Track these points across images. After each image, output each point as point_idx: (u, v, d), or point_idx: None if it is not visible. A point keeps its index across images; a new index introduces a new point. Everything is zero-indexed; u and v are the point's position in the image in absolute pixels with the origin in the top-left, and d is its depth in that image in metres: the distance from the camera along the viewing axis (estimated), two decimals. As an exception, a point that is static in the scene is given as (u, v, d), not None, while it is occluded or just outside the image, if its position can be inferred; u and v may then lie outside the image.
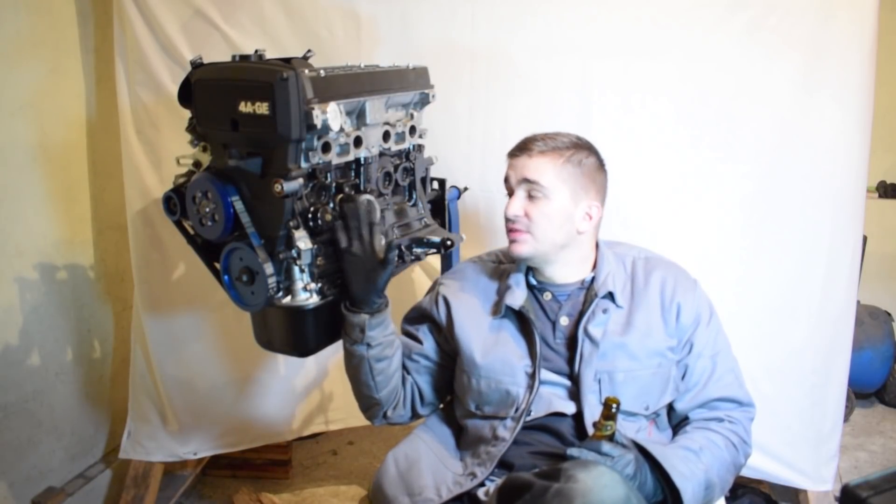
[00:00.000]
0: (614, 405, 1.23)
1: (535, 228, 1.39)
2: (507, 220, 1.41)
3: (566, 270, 1.45)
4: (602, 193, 1.45)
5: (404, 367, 1.52)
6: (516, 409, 1.38)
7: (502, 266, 1.54)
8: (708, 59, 1.80)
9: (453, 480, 1.37)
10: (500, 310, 1.44)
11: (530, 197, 1.39)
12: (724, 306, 1.52)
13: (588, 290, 1.44)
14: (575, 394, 1.38)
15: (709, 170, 1.85)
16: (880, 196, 3.31)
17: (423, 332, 1.55)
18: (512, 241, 1.42)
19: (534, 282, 1.47)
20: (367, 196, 1.34)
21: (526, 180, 1.39)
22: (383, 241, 1.34)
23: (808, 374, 1.92)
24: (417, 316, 1.58)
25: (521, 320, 1.44)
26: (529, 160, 1.40)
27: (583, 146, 1.43)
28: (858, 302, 2.15)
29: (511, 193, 1.43)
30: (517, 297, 1.43)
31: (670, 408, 1.44)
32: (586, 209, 1.42)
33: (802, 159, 1.83)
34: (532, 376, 1.38)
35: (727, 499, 1.52)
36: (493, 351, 1.42)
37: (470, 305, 1.49)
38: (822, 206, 1.85)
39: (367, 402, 1.50)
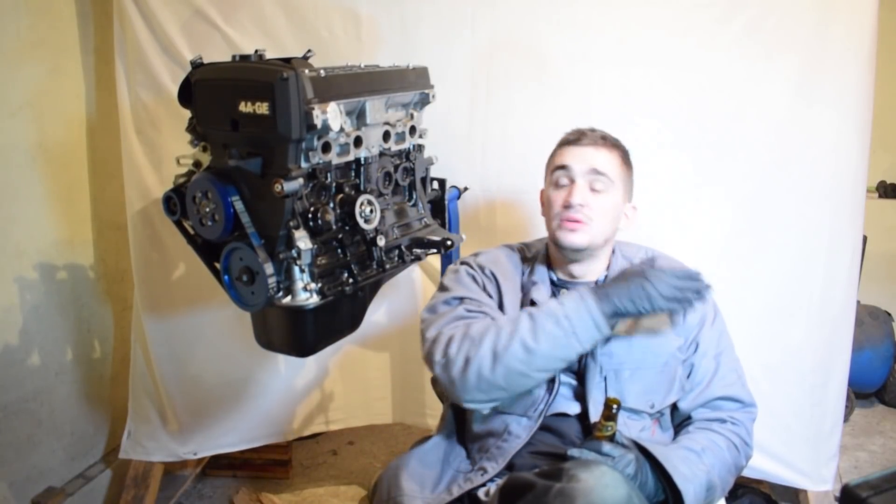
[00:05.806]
0: (615, 406, 1.22)
1: (594, 220, 1.38)
2: (568, 207, 1.37)
3: (590, 268, 1.45)
4: None
5: None
6: (534, 409, 1.37)
7: (524, 262, 1.52)
8: (708, 60, 1.80)
9: (463, 477, 1.36)
10: (527, 305, 1.42)
11: (592, 188, 1.39)
12: (724, 306, 1.52)
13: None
14: (580, 393, 1.37)
15: (709, 170, 1.85)
16: (880, 196, 3.32)
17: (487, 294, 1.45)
18: (569, 231, 1.38)
19: (554, 278, 1.47)
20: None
21: (595, 171, 1.38)
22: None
23: (808, 374, 1.93)
24: (475, 284, 1.45)
25: None
26: (597, 151, 1.39)
27: (625, 148, 1.45)
28: (858, 302, 2.15)
29: (570, 181, 1.39)
30: (543, 293, 1.42)
31: (673, 407, 1.44)
32: (627, 210, 1.45)
33: (802, 159, 1.83)
34: (552, 378, 1.37)
35: (727, 499, 1.51)
36: None
37: (510, 295, 1.45)
38: (822, 207, 1.85)
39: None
